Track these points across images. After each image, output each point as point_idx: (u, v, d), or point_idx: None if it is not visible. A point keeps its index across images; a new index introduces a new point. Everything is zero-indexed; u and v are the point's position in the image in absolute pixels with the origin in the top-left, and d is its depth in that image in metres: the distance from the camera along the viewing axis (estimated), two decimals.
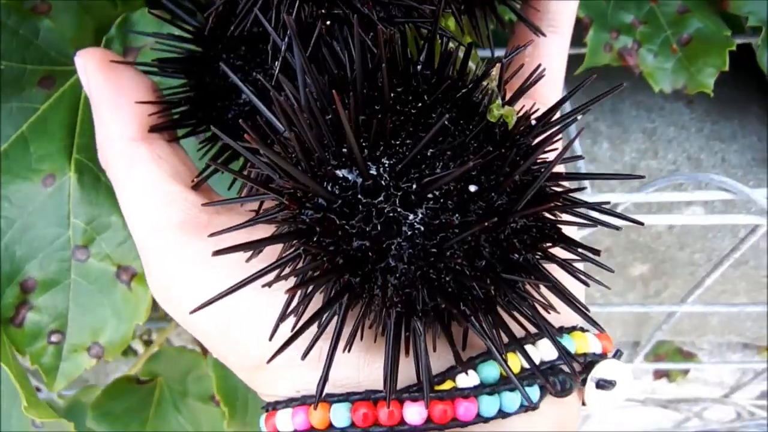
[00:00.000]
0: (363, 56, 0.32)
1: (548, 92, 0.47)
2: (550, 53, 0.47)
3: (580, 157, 0.50)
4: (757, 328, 1.20)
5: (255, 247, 0.30)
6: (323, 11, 0.34)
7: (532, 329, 0.32)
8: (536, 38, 0.46)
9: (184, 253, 0.38)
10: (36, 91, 0.61)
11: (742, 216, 0.71)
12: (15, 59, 0.61)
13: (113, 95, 0.43)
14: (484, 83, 0.33)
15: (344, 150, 0.29)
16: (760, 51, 0.79)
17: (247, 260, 0.35)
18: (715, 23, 0.81)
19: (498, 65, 0.33)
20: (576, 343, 0.37)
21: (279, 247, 0.32)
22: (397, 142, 0.29)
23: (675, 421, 1.58)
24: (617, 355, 0.38)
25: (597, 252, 0.31)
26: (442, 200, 0.28)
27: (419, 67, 0.33)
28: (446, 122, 0.30)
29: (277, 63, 0.35)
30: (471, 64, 0.34)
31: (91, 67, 0.44)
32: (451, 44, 0.36)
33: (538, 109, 0.34)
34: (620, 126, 0.94)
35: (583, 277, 0.32)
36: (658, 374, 1.54)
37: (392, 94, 0.31)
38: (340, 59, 0.34)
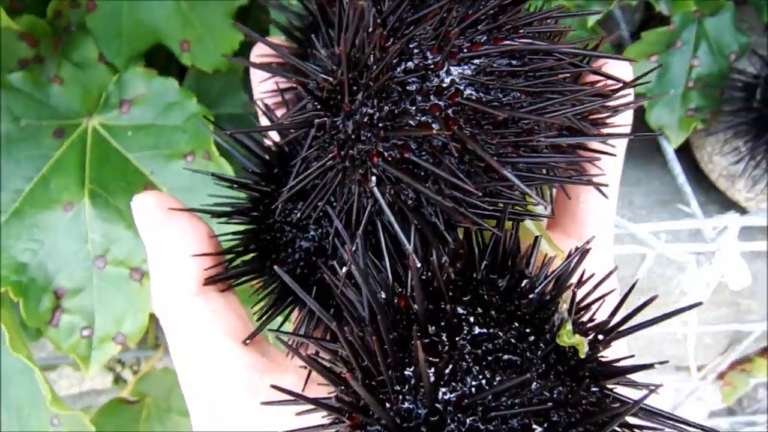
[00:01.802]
0: (422, 283, 0.33)
1: (598, 228, 0.48)
2: (598, 204, 0.48)
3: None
4: (676, 350, 1.30)
5: None
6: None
7: None
8: (587, 188, 0.48)
9: (231, 415, 0.39)
10: (51, 141, 0.77)
11: (631, 246, 0.87)
12: (32, 117, 0.76)
13: (169, 248, 0.43)
14: (557, 295, 0.33)
15: (408, 374, 0.30)
16: (648, 110, 0.99)
17: None
18: None
19: (568, 292, 0.33)
20: None
21: None
22: (464, 374, 0.29)
23: None
24: None
25: None
26: None
27: (484, 272, 0.34)
28: (512, 338, 0.31)
29: (344, 269, 0.36)
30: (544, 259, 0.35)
31: (147, 217, 0.43)
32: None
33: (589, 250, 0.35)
34: None
35: None
36: None
37: (456, 311, 0.31)
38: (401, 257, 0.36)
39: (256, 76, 0.58)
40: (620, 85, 0.38)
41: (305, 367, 0.38)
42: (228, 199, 0.46)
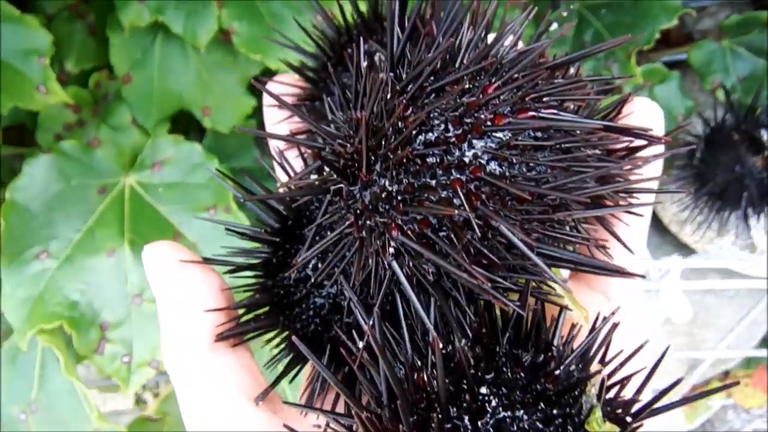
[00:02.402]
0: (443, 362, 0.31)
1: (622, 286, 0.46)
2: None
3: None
4: None
5: None
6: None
7: None
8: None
9: None
10: (95, 197, 0.91)
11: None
12: (80, 177, 0.91)
13: (181, 302, 0.42)
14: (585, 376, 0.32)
15: None
16: None
17: None
18: None
19: (599, 376, 0.32)
20: None
21: None
22: None
23: None
24: None
25: None
26: None
27: (507, 346, 0.33)
28: (538, 422, 0.30)
29: (361, 343, 0.35)
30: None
31: (158, 268, 0.43)
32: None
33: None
34: None
35: None
36: None
37: (479, 392, 0.30)
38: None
39: (270, 118, 0.57)
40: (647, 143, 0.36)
41: (319, 426, 0.38)
42: (242, 250, 0.45)
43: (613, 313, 0.35)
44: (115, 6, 0.96)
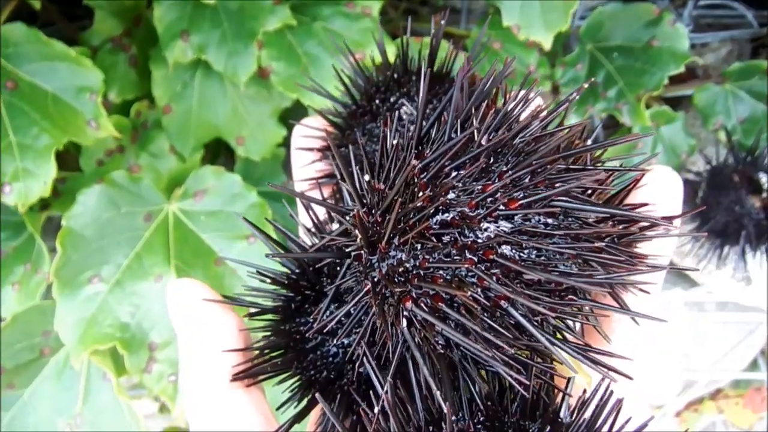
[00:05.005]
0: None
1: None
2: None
3: None
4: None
5: None
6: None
7: None
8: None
9: None
10: (142, 224, 0.97)
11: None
12: (129, 206, 0.97)
13: (199, 341, 0.43)
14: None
15: None
16: None
17: None
18: None
19: None
20: None
21: None
22: None
23: None
24: None
25: None
26: None
27: (514, 419, 0.35)
28: None
29: (376, 409, 0.36)
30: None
31: (181, 306, 0.44)
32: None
33: None
34: None
35: None
36: None
37: None
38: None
39: (297, 161, 0.59)
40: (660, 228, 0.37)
41: None
42: (262, 291, 0.46)
43: (620, 402, 0.35)
44: (159, 42, 1.02)
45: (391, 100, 0.49)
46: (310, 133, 0.56)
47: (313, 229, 0.48)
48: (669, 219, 0.37)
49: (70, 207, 0.93)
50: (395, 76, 0.51)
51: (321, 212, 0.51)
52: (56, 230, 0.92)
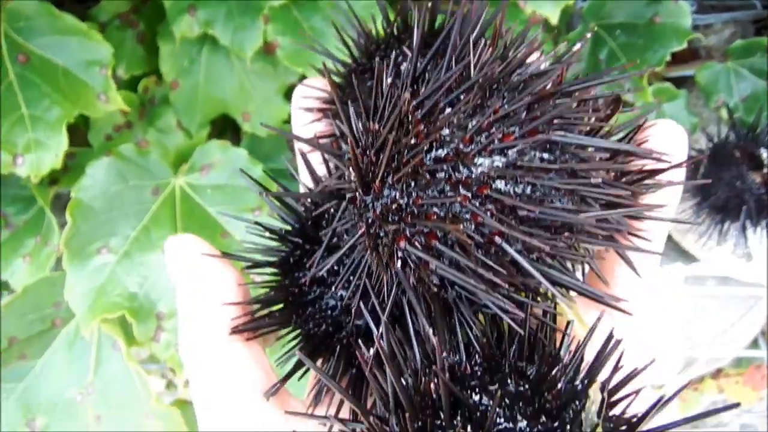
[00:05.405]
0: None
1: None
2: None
3: None
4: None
5: None
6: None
7: None
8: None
9: None
10: (149, 197, 0.99)
11: None
12: (137, 179, 0.98)
13: (199, 293, 0.43)
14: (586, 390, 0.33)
15: None
16: None
17: None
18: None
19: (598, 389, 0.32)
20: None
21: None
22: None
23: None
24: None
25: None
26: None
27: (512, 359, 0.34)
28: None
29: (371, 350, 0.36)
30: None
31: (180, 261, 0.44)
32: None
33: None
34: None
35: None
36: None
37: (481, 402, 0.32)
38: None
39: (297, 120, 0.58)
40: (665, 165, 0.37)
41: (324, 425, 0.39)
42: (261, 248, 0.46)
43: (613, 338, 0.35)
44: (167, 18, 1.03)
45: (392, 57, 0.49)
46: (311, 94, 0.55)
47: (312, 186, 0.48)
48: (675, 167, 0.36)
49: (79, 180, 0.95)
50: (395, 32, 0.51)
51: (322, 172, 0.50)
52: (64, 207, 0.94)
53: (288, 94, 1.16)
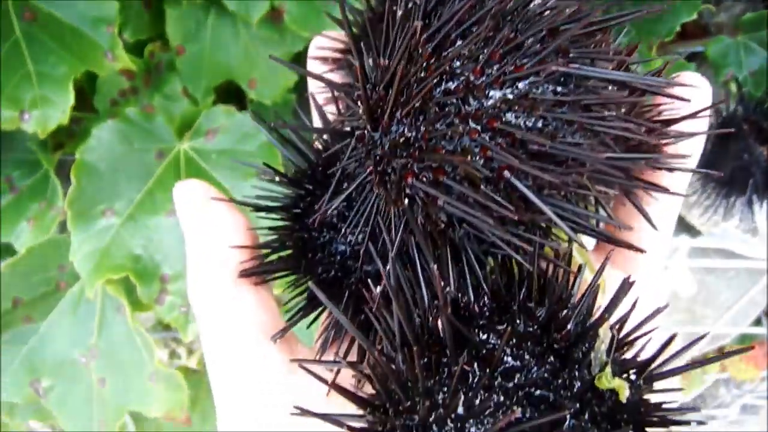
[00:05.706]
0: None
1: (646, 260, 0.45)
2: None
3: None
4: None
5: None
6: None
7: None
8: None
9: (255, 414, 0.39)
10: (154, 161, 0.99)
11: None
12: (141, 142, 0.98)
13: (208, 237, 0.43)
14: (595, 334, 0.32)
15: (437, 401, 0.30)
16: None
17: None
18: None
19: (607, 329, 0.32)
20: None
21: None
22: (495, 408, 0.29)
23: None
24: None
25: None
26: None
27: (521, 301, 0.34)
28: (546, 374, 0.30)
29: (378, 288, 0.36)
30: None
31: (189, 205, 0.44)
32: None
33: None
34: None
35: None
36: None
37: (489, 340, 0.32)
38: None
39: (312, 69, 0.58)
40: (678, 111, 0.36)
41: (332, 370, 0.40)
42: (271, 193, 0.46)
43: (629, 279, 0.34)
44: None
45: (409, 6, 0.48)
46: (327, 43, 0.55)
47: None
48: (702, 111, 0.35)
49: (84, 142, 0.95)
50: None
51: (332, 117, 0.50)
52: (68, 174, 0.94)
53: (294, 62, 1.16)
